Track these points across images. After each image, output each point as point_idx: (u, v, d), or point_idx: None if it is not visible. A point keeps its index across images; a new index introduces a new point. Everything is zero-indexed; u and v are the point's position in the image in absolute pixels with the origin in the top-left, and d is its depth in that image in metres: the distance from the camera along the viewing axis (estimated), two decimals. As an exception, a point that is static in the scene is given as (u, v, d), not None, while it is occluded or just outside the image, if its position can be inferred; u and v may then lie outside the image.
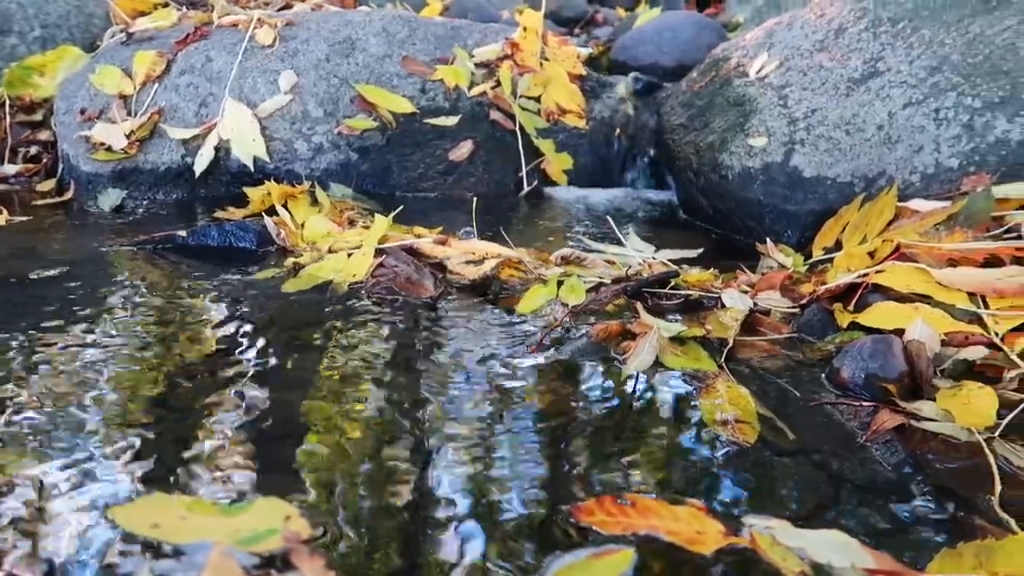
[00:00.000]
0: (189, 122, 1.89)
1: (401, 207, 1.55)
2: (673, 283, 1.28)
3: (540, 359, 1.05)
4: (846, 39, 1.72)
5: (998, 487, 0.76)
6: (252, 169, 1.84)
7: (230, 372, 1.00)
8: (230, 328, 1.13)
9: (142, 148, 1.88)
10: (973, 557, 0.65)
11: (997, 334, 0.98)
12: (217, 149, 1.85)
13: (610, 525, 0.68)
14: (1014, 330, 0.99)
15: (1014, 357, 0.94)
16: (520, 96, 2.04)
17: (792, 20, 1.88)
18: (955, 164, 1.48)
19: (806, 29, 1.82)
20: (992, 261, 1.14)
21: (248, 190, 1.68)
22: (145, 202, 1.87)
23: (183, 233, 1.50)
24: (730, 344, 1.08)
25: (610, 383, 1.00)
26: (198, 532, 0.61)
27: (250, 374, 0.99)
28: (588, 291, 1.23)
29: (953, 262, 1.15)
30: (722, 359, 1.05)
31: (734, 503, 0.77)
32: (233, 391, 0.95)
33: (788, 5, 3.02)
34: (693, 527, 0.68)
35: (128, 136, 1.86)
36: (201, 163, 1.83)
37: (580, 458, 0.84)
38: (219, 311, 1.19)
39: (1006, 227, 1.28)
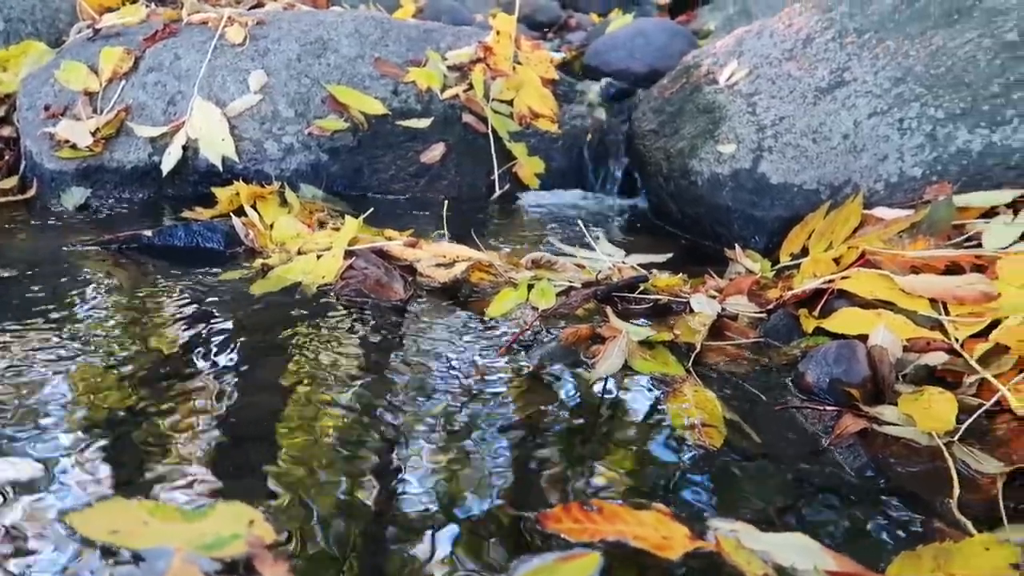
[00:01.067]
0: (157, 120, 1.86)
1: (372, 209, 1.54)
2: (642, 288, 1.29)
3: (509, 362, 1.05)
4: (814, 49, 1.74)
5: (956, 490, 0.78)
6: (221, 169, 1.81)
7: (196, 374, 0.98)
8: (196, 329, 1.12)
9: (108, 146, 1.85)
10: (931, 559, 0.66)
11: (957, 340, 1.00)
12: (185, 148, 1.82)
13: (577, 532, 0.69)
14: (973, 336, 1.01)
15: (973, 363, 0.96)
16: (493, 99, 2.04)
17: (761, 29, 1.91)
18: (918, 173, 1.51)
19: (775, 38, 1.84)
20: (953, 268, 1.17)
21: (216, 190, 1.66)
22: (110, 201, 1.84)
23: (149, 233, 1.48)
24: (698, 348, 1.09)
25: (579, 387, 1.00)
26: (159, 537, 0.60)
27: (216, 376, 0.98)
28: (558, 295, 1.23)
29: (916, 269, 1.17)
30: (690, 363, 1.06)
31: (700, 507, 0.77)
32: (199, 394, 0.94)
33: (758, 14, 3.06)
34: (659, 532, 0.68)
35: (94, 134, 1.83)
36: (169, 162, 1.80)
37: (549, 462, 0.84)
38: (185, 312, 1.18)
39: (966, 235, 1.31)
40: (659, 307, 1.25)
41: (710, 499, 0.79)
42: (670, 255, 1.54)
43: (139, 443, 0.83)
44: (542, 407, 0.95)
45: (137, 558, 0.61)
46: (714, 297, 1.26)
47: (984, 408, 0.89)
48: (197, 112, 1.84)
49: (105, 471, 0.77)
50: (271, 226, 1.52)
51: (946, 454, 0.83)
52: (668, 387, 0.99)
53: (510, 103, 2.08)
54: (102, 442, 0.82)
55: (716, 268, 1.50)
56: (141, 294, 1.24)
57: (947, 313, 1.06)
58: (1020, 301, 1.03)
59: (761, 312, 1.22)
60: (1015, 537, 0.68)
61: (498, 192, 2.01)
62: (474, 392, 0.98)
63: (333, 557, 0.68)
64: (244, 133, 1.87)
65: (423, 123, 1.97)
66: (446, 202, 1.68)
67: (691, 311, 1.21)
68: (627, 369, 1.03)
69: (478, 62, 2.09)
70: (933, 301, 1.08)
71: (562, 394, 0.98)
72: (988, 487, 0.79)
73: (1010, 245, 1.22)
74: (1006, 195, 1.39)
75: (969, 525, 0.73)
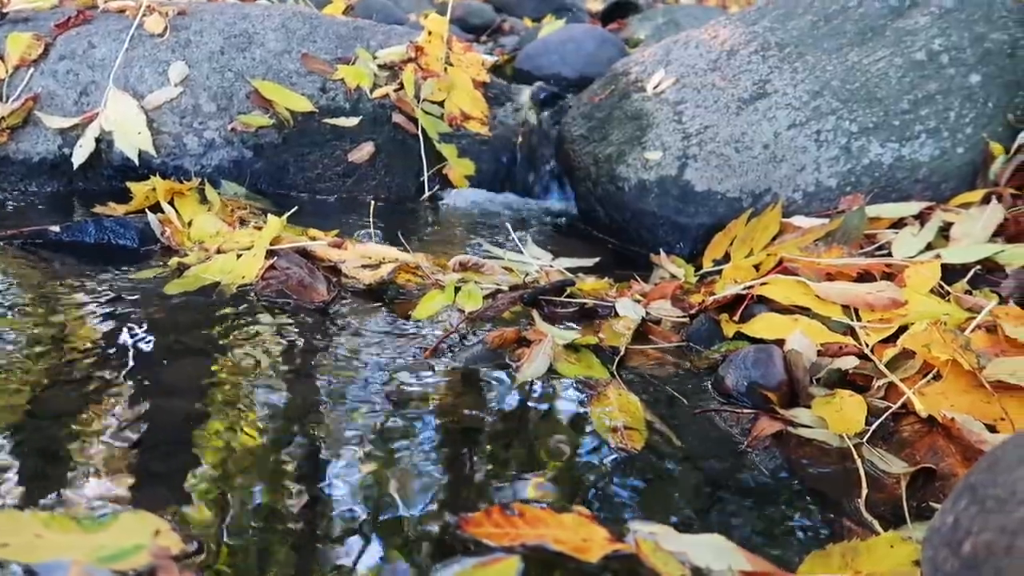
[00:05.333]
0: (68, 111, 1.78)
1: (296, 208, 1.50)
2: (569, 291, 1.30)
3: (435, 365, 1.04)
4: (737, 61, 1.79)
5: (864, 490, 0.81)
6: (137, 163, 1.74)
7: (104, 378, 0.94)
8: (105, 330, 1.06)
9: (13, 136, 1.75)
10: (840, 557, 0.68)
11: (867, 345, 1.04)
12: (98, 141, 1.74)
13: (498, 536, 0.68)
14: (882, 341, 1.05)
15: (882, 367, 0.99)
16: (423, 100, 2.02)
17: (688, 40, 1.95)
18: (833, 184, 1.56)
19: (701, 49, 1.88)
20: (865, 276, 1.21)
21: (132, 185, 1.59)
22: (15, 194, 1.74)
23: (56, 228, 1.41)
24: (622, 352, 1.10)
25: (504, 390, 1.00)
26: (54, 550, 0.56)
27: (127, 380, 0.94)
28: (485, 298, 1.23)
29: (830, 276, 1.21)
30: (614, 367, 1.07)
31: (621, 509, 0.78)
32: (106, 398, 0.89)
33: (686, 25, 3.13)
34: (580, 535, 0.68)
35: (-2, 122, 1.73)
36: (80, 155, 1.72)
37: (472, 466, 0.83)
38: (93, 312, 1.12)
39: (877, 244, 1.36)
40: (585, 311, 1.25)
41: (631, 501, 0.79)
42: (597, 259, 1.55)
43: (39, 451, 0.78)
44: (466, 410, 0.94)
45: (30, 573, 0.58)
46: (639, 301, 1.28)
47: (891, 410, 0.93)
48: (112, 103, 1.76)
49: (3, 481, 0.73)
50: (189, 224, 1.47)
51: (855, 455, 0.86)
52: (592, 390, 1.00)
53: (441, 104, 2.07)
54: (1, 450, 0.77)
55: (642, 273, 1.52)
56: (46, 293, 1.18)
57: (859, 319, 1.10)
58: (926, 308, 1.08)
59: (684, 316, 1.24)
60: (917, 535, 0.71)
61: (427, 193, 1.99)
62: (398, 395, 0.96)
63: (247, 567, 0.65)
64: (163, 127, 1.80)
65: (351, 122, 1.94)
66: (373, 202, 1.66)
67: (616, 315, 1.23)
68: (552, 372, 1.04)
69: (409, 62, 2.07)
70: (846, 307, 1.12)
71: (487, 397, 0.98)
72: (893, 487, 0.82)
73: (917, 254, 1.28)
74: (914, 207, 1.45)
75: (876, 524, 0.76)
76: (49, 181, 1.77)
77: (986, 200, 1.42)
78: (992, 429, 0.85)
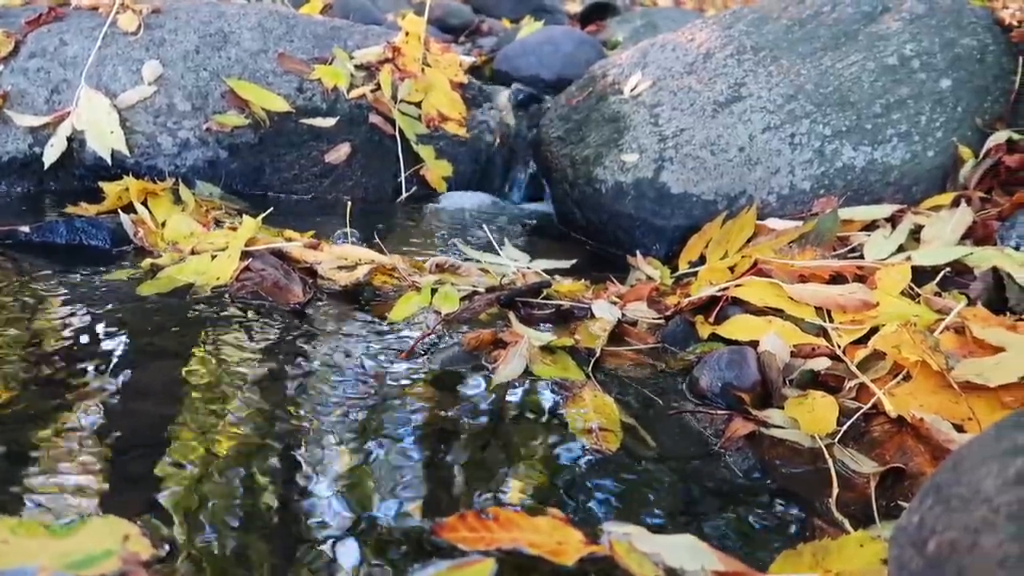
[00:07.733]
0: (39, 109, 1.75)
1: (272, 209, 1.49)
2: (546, 293, 1.30)
3: (411, 367, 1.04)
4: (713, 64, 1.81)
5: (835, 490, 0.82)
6: (110, 163, 1.72)
7: (75, 380, 0.93)
8: (76, 332, 1.05)
9: (-18, 135, 1.72)
10: (811, 556, 0.69)
11: (839, 346, 1.06)
12: (70, 140, 1.72)
13: (473, 541, 0.68)
14: (854, 343, 1.06)
15: (853, 368, 1.01)
16: (400, 101, 2.02)
17: (665, 42, 1.96)
18: (807, 187, 1.58)
19: (677, 52, 1.90)
20: (837, 278, 1.23)
21: (104, 185, 1.57)
22: (-16, 194, 1.71)
23: (26, 229, 1.38)
24: (598, 354, 1.11)
25: (480, 392, 1.00)
26: (22, 556, 0.56)
27: (98, 383, 0.93)
28: (462, 299, 1.23)
29: (803, 278, 1.23)
30: (590, 368, 1.07)
31: (596, 511, 0.78)
32: (77, 401, 0.88)
33: (664, 28, 3.15)
34: (555, 538, 0.69)
35: (-34, 121, 1.70)
36: (51, 154, 1.70)
37: (448, 468, 0.83)
38: (64, 313, 1.11)
39: (850, 246, 1.38)
40: (562, 312, 1.26)
41: (605, 502, 0.80)
42: (574, 261, 1.56)
43: (6, 454, 0.77)
44: (442, 412, 0.94)
45: (-4, 580, 0.57)
46: (615, 303, 1.28)
47: (862, 411, 0.94)
48: (84, 102, 1.74)
49: (-35, 485, 0.71)
50: (163, 224, 1.45)
51: (827, 455, 0.87)
52: (568, 392, 1.00)
53: (418, 105, 2.06)
54: (-37, 454, 0.76)
55: (618, 274, 1.53)
56: (15, 294, 1.16)
57: (831, 320, 1.11)
58: (896, 310, 1.10)
59: (660, 318, 1.25)
60: (886, 533, 0.72)
61: (404, 194, 1.99)
62: (374, 397, 0.96)
63: (219, 572, 0.65)
64: (136, 126, 1.78)
65: (328, 122, 1.92)
66: (350, 203, 1.65)
67: (592, 317, 1.23)
68: (528, 374, 1.04)
69: (386, 62, 2.06)
70: (819, 309, 1.13)
71: (463, 399, 0.98)
72: (863, 487, 0.83)
73: (888, 257, 1.29)
74: (885, 210, 1.47)
75: (846, 523, 0.77)
76: (19, 181, 1.75)
77: (956, 203, 1.45)
78: (960, 429, 0.86)
